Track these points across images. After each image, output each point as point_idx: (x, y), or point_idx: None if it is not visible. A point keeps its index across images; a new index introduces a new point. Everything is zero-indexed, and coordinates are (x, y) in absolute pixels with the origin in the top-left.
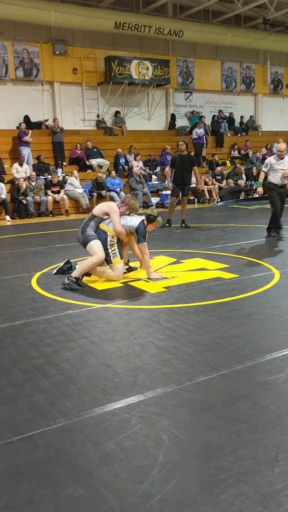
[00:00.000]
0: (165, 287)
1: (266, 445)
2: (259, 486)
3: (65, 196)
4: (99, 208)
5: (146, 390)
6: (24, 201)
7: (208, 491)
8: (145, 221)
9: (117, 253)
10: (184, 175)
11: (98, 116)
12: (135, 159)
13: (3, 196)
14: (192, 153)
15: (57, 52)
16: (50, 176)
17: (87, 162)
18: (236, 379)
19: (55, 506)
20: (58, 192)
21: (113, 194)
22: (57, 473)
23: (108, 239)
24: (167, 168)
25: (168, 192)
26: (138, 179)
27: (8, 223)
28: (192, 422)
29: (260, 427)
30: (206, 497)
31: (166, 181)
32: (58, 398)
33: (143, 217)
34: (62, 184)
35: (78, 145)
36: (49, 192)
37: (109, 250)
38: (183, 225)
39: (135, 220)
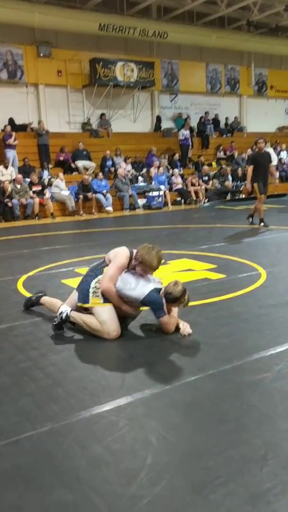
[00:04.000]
0: None
1: (254, 444)
2: (248, 486)
3: (49, 199)
4: (109, 254)
5: (133, 392)
6: (10, 204)
7: (197, 492)
8: (161, 295)
9: (101, 294)
10: (266, 173)
11: (85, 118)
12: (125, 161)
13: None
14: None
15: (42, 55)
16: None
17: (72, 165)
18: (224, 379)
19: (42, 511)
20: (41, 193)
21: (100, 196)
22: (44, 478)
23: (92, 284)
24: (249, 168)
25: (156, 193)
26: (124, 180)
27: None
28: (180, 423)
29: (248, 427)
30: (195, 498)
31: (246, 182)
32: (45, 401)
33: (159, 286)
34: (44, 184)
35: (64, 148)
36: (32, 194)
37: (91, 288)
38: (262, 223)
39: (143, 288)
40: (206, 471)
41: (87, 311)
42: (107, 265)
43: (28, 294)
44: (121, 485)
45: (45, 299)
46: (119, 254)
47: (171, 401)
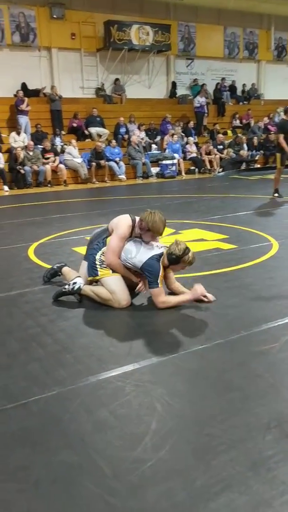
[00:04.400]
0: None
1: (258, 413)
2: (250, 453)
3: (62, 166)
4: (112, 223)
5: (140, 359)
6: (22, 171)
7: (200, 458)
8: (163, 259)
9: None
10: None
11: (99, 84)
12: (138, 128)
13: (1, 166)
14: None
15: (55, 16)
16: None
17: (85, 132)
18: (231, 348)
19: (47, 472)
20: (53, 160)
21: (112, 164)
22: (51, 440)
23: (97, 257)
24: (280, 136)
25: (169, 162)
26: (137, 148)
27: (6, 193)
28: (186, 391)
29: (253, 396)
30: (197, 463)
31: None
32: (53, 367)
33: (160, 251)
34: (56, 151)
35: (77, 114)
36: (45, 160)
37: (97, 261)
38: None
39: (143, 255)
40: (209, 438)
41: (97, 283)
42: (110, 234)
43: (38, 261)
44: (125, 448)
45: (65, 269)
46: (121, 224)
47: (177, 369)
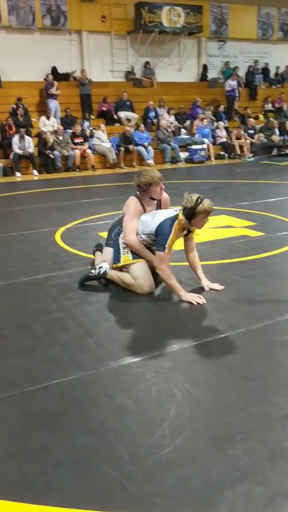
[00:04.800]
0: None
1: (278, 403)
2: (268, 443)
3: (89, 151)
4: (123, 209)
5: (162, 346)
6: (51, 156)
7: (218, 446)
8: (180, 217)
9: (129, 250)
10: None
11: (129, 67)
12: (168, 112)
13: (31, 150)
14: None
15: None
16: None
17: (114, 116)
18: (253, 337)
19: (67, 454)
20: (82, 144)
21: (141, 148)
22: (71, 423)
23: (120, 241)
24: None
25: (199, 146)
26: (166, 132)
27: (35, 178)
28: (206, 379)
29: (274, 386)
30: (215, 451)
31: None
32: (75, 351)
33: (175, 213)
34: (86, 136)
35: (107, 98)
36: (73, 145)
37: (120, 246)
38: None
39: (157, 220)
40: (227, 426)
41: (123, 269)
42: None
43: (65, 246)
44: (144, 434)
45: (97, 254)
46: (128, 204)
47: (198, 357)
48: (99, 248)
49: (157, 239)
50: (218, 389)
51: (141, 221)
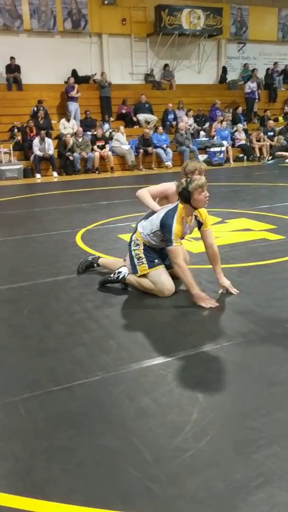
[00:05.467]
0: None
1: None
2: None
3: (110, 153)
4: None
5: (183, 348)
6: (71, 158)
7: (240, 451)
8: (180, 206)
9: (144, 259)
10: None
11: (148, 69)
12: (186, 114)
13: (50, 152)
14: None
15: (106, 2)
16: (95, 131)
17: (134, 118)
18: (274, 342)
19: (90, 454)
20: (103, 147)
21: (160, 150)
22: (94, 423)
23: (133, 237)
24: None
25: (217, 149)
26: (185, 134)
27: (55, 179)
28: (228, 383)
29: None
30: (237, 456)
31: None
32: (97, 352)
33: (174, 204)
34: (106, 139)
35: (126, 100)
36: (95, 147)
37: (134, 256)
38: None
39: (160, 215)
40: (250, 431)
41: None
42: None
43: (86, 248)
44: (166, 436)
45: (102, 261)
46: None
47: (220, 361)
48: (96, 257)
49: (164, 236)
50: (240, 393)
51: (149, 220)
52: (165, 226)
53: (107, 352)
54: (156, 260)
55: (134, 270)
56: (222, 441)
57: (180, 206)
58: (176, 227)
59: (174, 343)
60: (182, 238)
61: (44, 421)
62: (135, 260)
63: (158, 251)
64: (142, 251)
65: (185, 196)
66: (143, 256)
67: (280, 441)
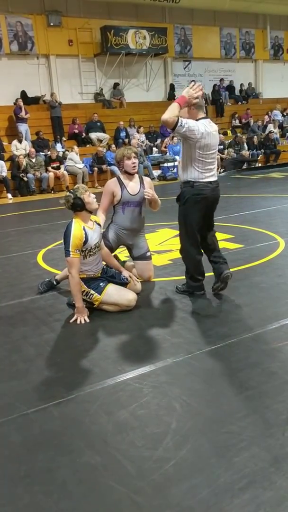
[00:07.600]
0: (170, 260)
1: (276, 409)
2: (271, 449)
3: (65, 172)
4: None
5: (156, 361)
6: (25, 178)
7: (221, 455)
8: (75, 218)
9: (91, 291)
10: None
11: (98, 89)
12: (137, 131)
13: (4, 174)
14: None
15: (52, 24)
16: (49, 152)
17: (86, 137)
18: (244, 347)
19: (72, 473)
20: (58, 168)
21: (114, 168)
22: (73, 442)
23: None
24: None
25: (171, 164)
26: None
27: (10, 201)
28: (203, 390)
29: (270, 393)
30: (219, 460)
31: None
32: (70, 371)
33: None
34: (61, 159)
35: (76, 119)
36: (49, 168)
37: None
38: None
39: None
40: (229, 435)
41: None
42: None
43: (48, 267)
44: (148, 448)
45: (59, 276)
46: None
47: (193, 369)
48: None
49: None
50: (215, 399)
51: None
52: (64, 239)
53: (80, 370)
54: (101, 284)
55: (91, 304)
56: (203, 448)
57: (75, 218)
58: (73, 239)
59: (146, 355)
60: (93, 248)
61: (21, 445)
62: (87, 298)
63: (100, 276)
64: (85, 287)
65: (77, 205)
66: (88, 290)
67: (258, 442)
